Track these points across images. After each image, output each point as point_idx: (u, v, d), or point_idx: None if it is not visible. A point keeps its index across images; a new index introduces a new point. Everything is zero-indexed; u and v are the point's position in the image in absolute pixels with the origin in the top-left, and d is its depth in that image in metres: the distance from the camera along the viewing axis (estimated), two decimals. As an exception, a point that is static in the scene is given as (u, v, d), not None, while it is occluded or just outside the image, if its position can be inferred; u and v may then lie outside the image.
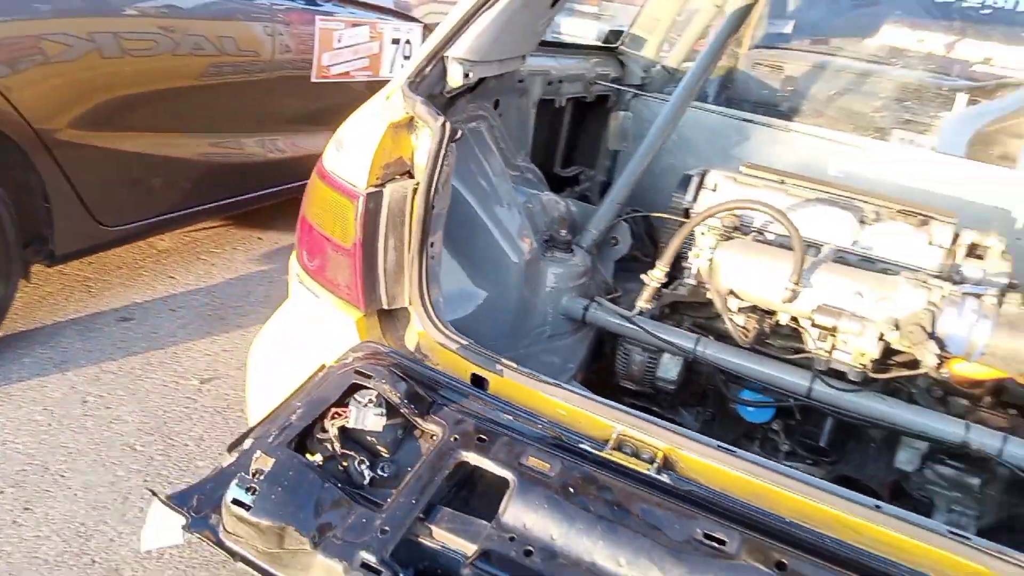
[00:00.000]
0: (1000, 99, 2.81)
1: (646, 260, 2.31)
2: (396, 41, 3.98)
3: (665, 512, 1.10)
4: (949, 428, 1.64)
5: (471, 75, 1.59)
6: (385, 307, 1.46)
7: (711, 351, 1.81)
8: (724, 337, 1.85)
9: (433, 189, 1.39)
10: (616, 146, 2.90)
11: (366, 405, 1.16)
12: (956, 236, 1.80)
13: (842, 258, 1.79)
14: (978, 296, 1.62)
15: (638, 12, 2.97)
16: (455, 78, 1.56)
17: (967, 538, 1.11)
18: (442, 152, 1.39)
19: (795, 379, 1.74)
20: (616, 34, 2.99)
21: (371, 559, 1.02)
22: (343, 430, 1.16)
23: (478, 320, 1.75)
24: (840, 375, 1.72)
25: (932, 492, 1.76)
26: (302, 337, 1.53)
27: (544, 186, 2.22)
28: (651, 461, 1.20)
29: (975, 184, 2.35)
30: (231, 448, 1.20)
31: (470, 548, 1.08)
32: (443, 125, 1.39)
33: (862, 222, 1.85)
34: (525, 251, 1.84)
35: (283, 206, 3.63)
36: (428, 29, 4.04)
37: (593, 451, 1.20)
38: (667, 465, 1.21)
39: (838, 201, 1.88)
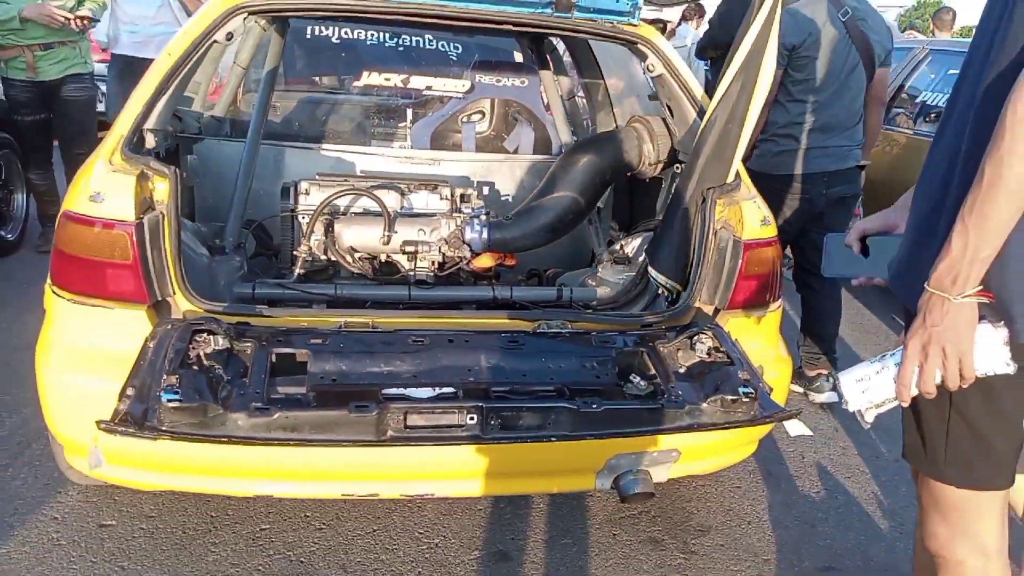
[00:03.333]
0: (440, 109, 4.35)
1: (268, 253, 3.21)
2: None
3: (386, 340, 2.12)
4: (484, 293, 2.94)
5: (156, 138, 2.32)
6: (158, 299, 2.14)
7: (346, 291, 2.82)
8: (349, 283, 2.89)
9: (178, 213, 2.13)
10: (190, 183, 3.64)
11: (213, 337, 1.92)
12: (452, 191, 3.11)
13: (405, 214, 2.97)
14: (477, 217, 2.96)
15: (182, 76, 3.72)
16: (151, 142, 2.28)
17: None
18: (178, 189, 2.14)
19: (399, 292, 2.86)
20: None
21: (258, 404, 1.83)
22: (205, 354, 1.89)
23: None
24: (423, 282, 2.91)
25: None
26: (97, 336, 2.10)
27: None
28: (366, 325, 2.20)
29: (446, 163, 3.77)
30: (120, 396, 1.82)
31: (302, 389, 1.95)
32: (175, 171, 2.13)
33: (403, 194, 3.05)
34: (206, 257, 2.61)
35: None
36: None
37: (339, 330, 2.14)
38: (375, 326, 2.22)
39: (388, 184, 3.05)
